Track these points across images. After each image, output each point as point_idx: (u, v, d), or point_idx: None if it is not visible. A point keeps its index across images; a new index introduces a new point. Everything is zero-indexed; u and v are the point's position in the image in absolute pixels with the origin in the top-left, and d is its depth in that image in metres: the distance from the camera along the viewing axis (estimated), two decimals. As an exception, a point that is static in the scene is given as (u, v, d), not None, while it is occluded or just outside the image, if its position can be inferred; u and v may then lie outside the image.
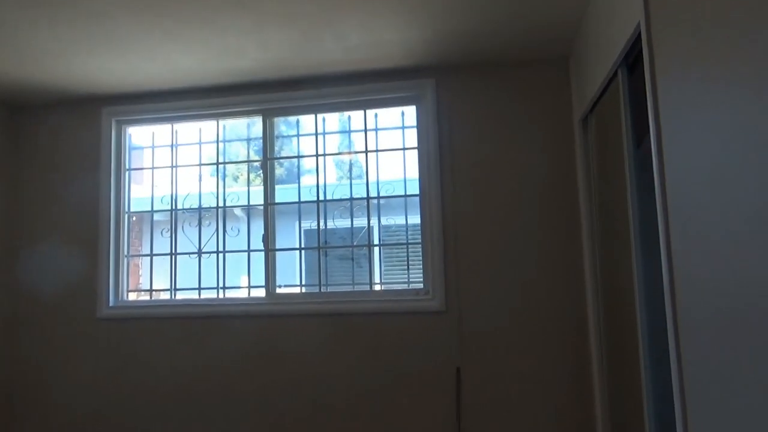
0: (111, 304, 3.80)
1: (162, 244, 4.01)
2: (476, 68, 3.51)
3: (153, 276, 3.93)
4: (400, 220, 3.73)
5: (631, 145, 2.42)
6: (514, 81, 3.47)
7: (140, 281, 8.65)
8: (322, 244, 3.79)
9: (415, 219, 3.63)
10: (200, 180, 3.95)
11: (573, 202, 3.34)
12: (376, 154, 3.70)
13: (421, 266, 3.53)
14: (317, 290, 3.70)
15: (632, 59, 2.36)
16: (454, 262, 3.41)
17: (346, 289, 3.72)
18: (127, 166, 3.99)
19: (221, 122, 3.92)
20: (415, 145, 3.61)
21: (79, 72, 3.43)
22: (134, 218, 4.66)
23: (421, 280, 3.53)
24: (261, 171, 3.78)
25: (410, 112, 3.68)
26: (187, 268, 4.03)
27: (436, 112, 3.51)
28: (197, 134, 3.99)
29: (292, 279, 3.84)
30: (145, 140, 4.24)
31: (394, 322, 3.45)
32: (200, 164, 3.94)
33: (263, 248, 3.72)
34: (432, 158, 3.48)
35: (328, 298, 3.59)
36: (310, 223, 3.94)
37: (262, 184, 3.80)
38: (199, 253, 3.88)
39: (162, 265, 4.04)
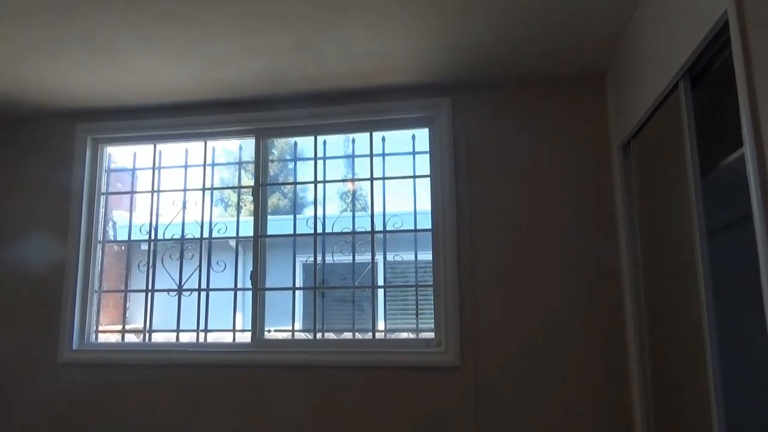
0: (74, 347, 3.31)
1: (159, 279, 3.53)
2: (498, 87, 3.08)
3: (127, 315, 3.45)
4: (408, 257, 3.25)
5: (697, 174, 1.95)
6: (542, 102, 3.03)
7: (127, 318, 8.20)
8: (318, 283, 3.31)
9: (425, 256, 3.15)
10: (184, 207, 3.50)
11: (611, 240, 2.86)
12: (382, 182, 3.25)
13: (431, 312, 3.04)
14: (312, 336, 3.20)
15: (700, 68, 1.92)
16: (471, 307, 2.92)
17: (346, 336, 3.23)
18: (103, 190, 3.56)
19: (210, 143, 3.49)
20: (428, 172, 3.15)
21: (46, 82, 3.02)
22: (122, 248, 4.20)
23: (432, 328, 3.03)
24: (252, 198, 3.33)
25: (422, 135, 3.25)
26: (168, 306, 3.55)
27: (451, 136, 3.07)
28: (183, 156, 3.57)
29: (287, 321, 3.34)
30: (127, 161, 3.82)
31: (399, 378, 2.94)
32: (185, 189, 3.50)
33: (250, 286, 3.25)
34: (446, 188, 3.02)
35: (321, 346, 3.09)
36: (306, 257, 3.48)
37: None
38: (179, 290, 3.41)
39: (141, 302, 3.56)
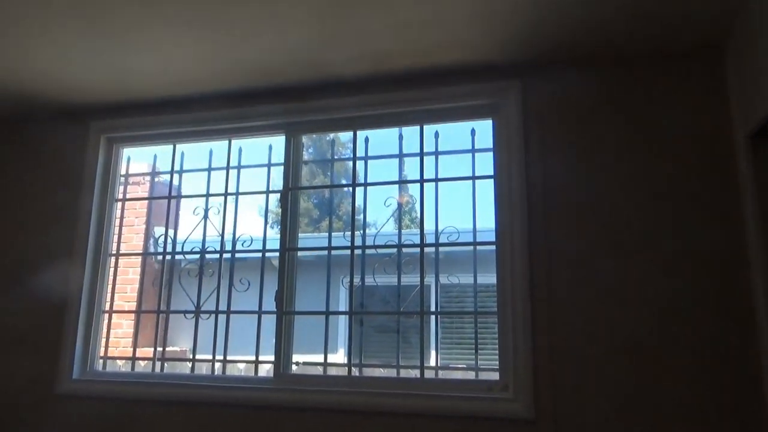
0: (75, 375, 2.85)
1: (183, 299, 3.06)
2: (582, 66, 2.48)
3: (138, 339, 2.98)
4: (466, 279, 2.65)
5: None
6: (640, 84, 2.41)
7: (167, 342, 7.84)
8: (356, 307, 2.75)
9: (487, 279, 2.54)
10: (206, 217, 3.03)
11: (734, 241, 2.18)
12: (435, 186, 2.68)
13: (495, 346, 2.41)
14: (347, 372, 2.62)
15: None
16: (547, 342, 2.28)
17: (389, 374, 2.64)
18: (117, 196, 3.14)
19: (234, 141, 3.03)
20: (491, 172, 2.56)
21: (52, 74, 2.63)
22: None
23: (497, 367, 2.40)
24: (280, 205, 2.82)
25: (484, 128, 2.68)
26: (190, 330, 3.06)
27: (522, 128, 2.48)
28: (207, 158, 3.11)
29: (319, 347, 2.76)
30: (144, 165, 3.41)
31: (451, 430, 2.32)
32: (207, 194, 3.03)
33: (275, 309, 2.72)
34: (516, 192, 2.42)
35: (357, 385, 2.51)
36: (342, 278, 2.92)
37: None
38: (197, 312, 2.92)
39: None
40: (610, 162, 2.36)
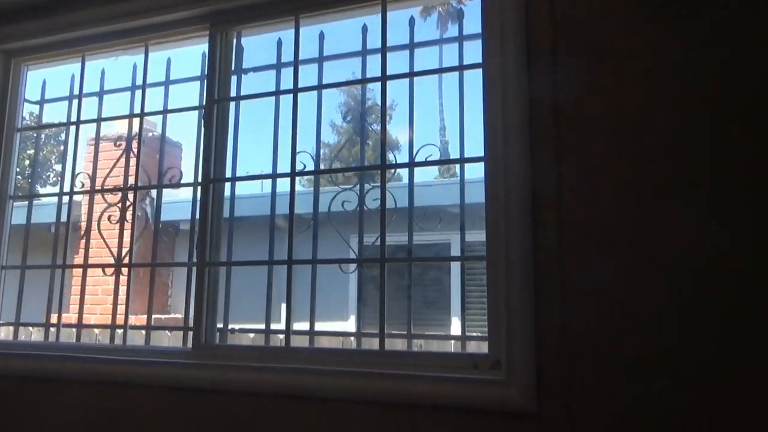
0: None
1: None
2: None
3: (23, 301, 2.35)
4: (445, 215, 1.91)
5: None
6: None
7: (169, 303, 7.23)
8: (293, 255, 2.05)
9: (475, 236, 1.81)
10: (128, 150, 2.37)
11: None
12: (409, 84, 1.95)
13: (483, 308, 1.68)
14: (283, 342, 1.94)
15: None
16: (556, 300, 1.54)
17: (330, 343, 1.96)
18: (18, 125, 2.51)
19: (154, 49, 2.34)
20: (480, 60, 1.80)
21: None
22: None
23: (485, 336, 1.68)
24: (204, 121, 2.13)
25: (472, 11, 1.93)
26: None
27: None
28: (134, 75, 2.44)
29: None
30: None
31: (421, 427, 1.62)
32: (104, 118, 2.37)
33: (194, 260, 2.05)
34: (511, 84, 1.66)
35: (288, 359, 1.82)
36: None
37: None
38: (117, 265, 2.28)
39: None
40: (649, 55, 1.58)
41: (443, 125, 15.76)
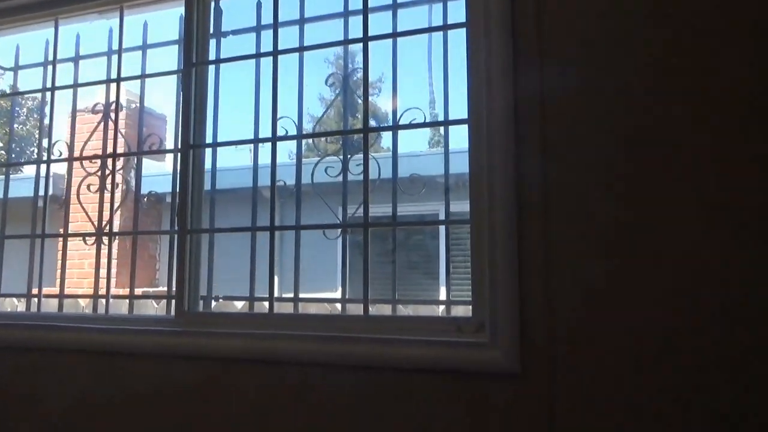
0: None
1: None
2: None
3: (2, 274, 2.32)
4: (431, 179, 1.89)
5: None
6: None
7: (157, 277, 7.15)
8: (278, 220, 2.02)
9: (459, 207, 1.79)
10: (107, 118, 2.31)
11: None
12: (392, 45, 1.90)
13: (467, 271, 1.67)
14: (268, 309, 1.93)
15: None
16: (541, 261, 1.53)
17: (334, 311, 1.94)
18: (-10, 92, 2.44)
19: (128, 10, 2.27)
20: (464, 19, 1.76)
21: None
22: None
23: (469, 300, 1.67)
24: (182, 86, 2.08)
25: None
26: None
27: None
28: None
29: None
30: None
31: (402, 389, 1.62)
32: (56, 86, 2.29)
33: (176, 228, 2.01)
34: (496, 37, 1.62)
35: (281, 326, 1.81)
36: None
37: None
38: (97, 234, 2.24)
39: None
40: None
41: (433, 98, 15.60)
